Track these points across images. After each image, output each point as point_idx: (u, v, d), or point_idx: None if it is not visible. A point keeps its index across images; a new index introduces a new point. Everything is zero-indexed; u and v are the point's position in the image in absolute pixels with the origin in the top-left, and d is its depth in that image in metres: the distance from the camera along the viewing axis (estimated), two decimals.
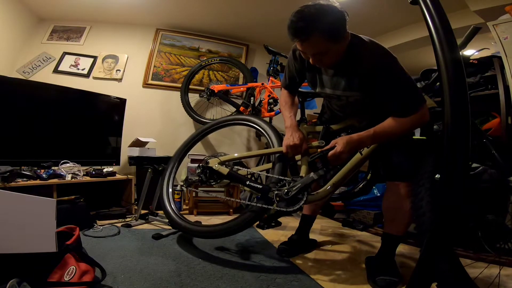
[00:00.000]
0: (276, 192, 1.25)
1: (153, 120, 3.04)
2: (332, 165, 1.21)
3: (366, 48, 1.12)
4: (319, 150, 1.23)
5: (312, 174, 1.24)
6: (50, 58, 2.81)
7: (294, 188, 1.22)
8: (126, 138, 2.55)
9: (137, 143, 2.56)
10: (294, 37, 1.06)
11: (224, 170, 1.44)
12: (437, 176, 1.07)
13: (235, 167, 1.47)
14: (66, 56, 2.86)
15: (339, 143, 1.15)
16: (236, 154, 1.61)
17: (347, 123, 1.38)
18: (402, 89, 1.11)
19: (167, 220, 1.68)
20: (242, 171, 1.47)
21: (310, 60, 1.14)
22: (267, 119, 2.57)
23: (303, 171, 1.35)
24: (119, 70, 2.95)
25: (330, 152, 1.16)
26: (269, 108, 2.65)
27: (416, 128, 1.32)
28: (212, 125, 1.89)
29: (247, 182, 1.37)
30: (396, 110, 1.13)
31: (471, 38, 1.17)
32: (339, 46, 1.09)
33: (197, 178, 1.58)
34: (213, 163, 1.48)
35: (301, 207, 1.23)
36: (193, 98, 3.01)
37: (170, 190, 1.75)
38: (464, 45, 1.21)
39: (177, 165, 1.87)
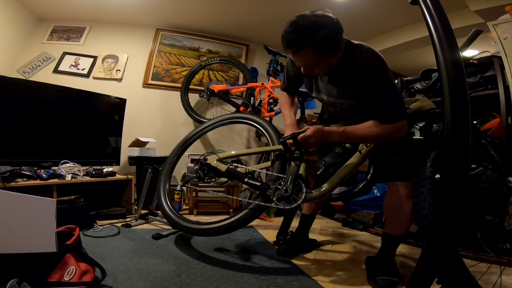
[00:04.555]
0: (274, 189, 1.25)
1: (153, 120, 3.05)
2: (302, 148, 1.27)
3: (359, 56, 1.12)
4: (292, 133, 1.27)
5: (292, 162, 1.29)
6: (50, 58, 2.81)
7: (288, 183, 1.23)
8: (126, 138, 2.55)
9: (137, 143, 2.56)
10: (286, 48, 1.07)
11: (222, 167, 1.44)
12: (437, 176, 1.07)
13: (234, 164, 1.47)
14: (66, 56, 2.86)
15: (310, 129, 1.20)
16: (233, 152, 1.61)
17: (346, 123, 1.38)
18: (391, 97, 1.13)
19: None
20: (241, 168, 1.47)
21: (302, 70, 1.15)
22: (267, 119, 2.57)
23: (301, 169, 1.35)
24: (119, 70, 2.95)
25: (300, 135, 1.21)
26: (269, 108, 2.65)
27: (387, 139, 1.20)
28: (211, 123, 1.88)
29: (245, 180, 1.36)
30: (380, 115, 1.14)
31: (472, 40, 1.17)
32: (331, 59, 1.09)
33: (195, 175, 1.58)
34: (212, 160, 1.47)
35: (299, 205, 1.23)
36: (193, 98, 3.01)
37: (167, 187, 1.74)
38: (465, 47, 1.21)
39: (174, 162, 1.84)
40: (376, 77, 1.10)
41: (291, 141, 1.26)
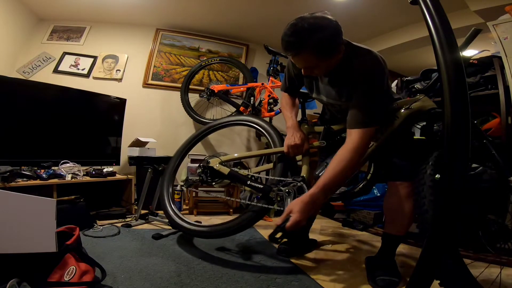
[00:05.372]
0: (277, 192, 1.25)
1: (153, 120, 3.05)
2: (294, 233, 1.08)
3: (358, 58, 1.11)
4: (275, 225, 1.08)
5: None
6: (50, 58, 2.81)
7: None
8: (126, 138, 2.55)
9: (137, 143, 2.56)
10: (286, 51, 1.07)
11: (225, 170, 1.44)
12: (437, 176, 1.07)
13: (237, 167, 1.47)
14: (66, 56, 2.86)
15: (293, 211, 1.03)
16: (236, 154, 1.62)
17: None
18: (372, 101, 1.11)
19: (167, 220, 1.68)
20: (243, 171, 1.47)
21: (302, 71, 1.15)
22: (267, 119, 2.57)
23: (304, 171, 1.35)
24: (119, 70, 2.95)
25: (288, 224, 1.02)
26: (269, 108, 2.65)
27: (360, 156, 1.11)
28: (213, 126, 1.89)
29: (248, 182, 1.37)
30: (351, 114, 1.13)
31: (472, 40, 1.17)
32: (330, 61, 1.09)
33: (197, 178, 1.58)
34: (214, 163, 1.47)
35: None
36: (193, 98, 3.01)
37: (170, 190, 1.75)
38: (464, 47, 1.21)
39: (177, 164, 1.86)
40: (365, 78, 1.09)
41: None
